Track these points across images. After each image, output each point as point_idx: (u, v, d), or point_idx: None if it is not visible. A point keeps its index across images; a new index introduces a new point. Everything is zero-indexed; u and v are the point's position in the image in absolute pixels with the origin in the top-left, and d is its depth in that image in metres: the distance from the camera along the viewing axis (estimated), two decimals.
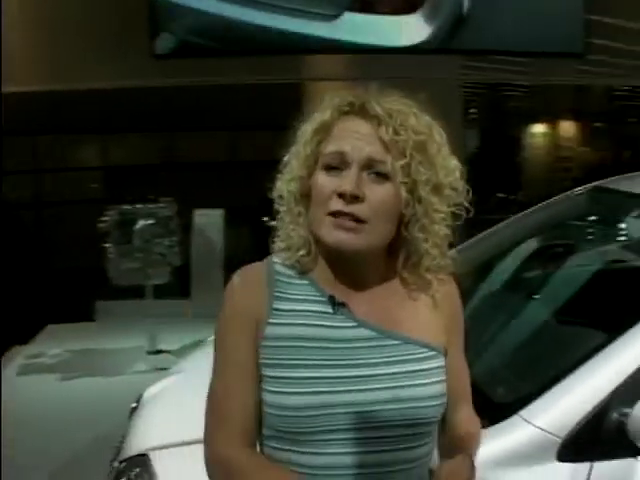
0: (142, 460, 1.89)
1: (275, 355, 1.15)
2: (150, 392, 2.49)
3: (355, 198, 1.10)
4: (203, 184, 8.45)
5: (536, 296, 2.59)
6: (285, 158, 1.23)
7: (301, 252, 1.19)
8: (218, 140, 10.50)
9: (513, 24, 5.51)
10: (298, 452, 1.14)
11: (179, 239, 5.44)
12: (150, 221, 5.21)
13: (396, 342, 1.16)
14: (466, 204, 1.19)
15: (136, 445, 2.03)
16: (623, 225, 2.88)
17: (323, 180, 1.14)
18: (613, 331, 1.76)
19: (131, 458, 1.96)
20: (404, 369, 1.14)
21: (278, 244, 1.23)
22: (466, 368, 1.31)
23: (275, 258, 1.24)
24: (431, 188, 1.14)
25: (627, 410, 1.53)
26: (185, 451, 1.80)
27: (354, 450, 1.12)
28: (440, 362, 1.20)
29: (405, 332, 1.18)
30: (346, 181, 1.11)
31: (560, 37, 5.64)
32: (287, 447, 1.15)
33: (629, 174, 2.87)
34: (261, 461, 1.18)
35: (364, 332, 1.16)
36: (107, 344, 5.55)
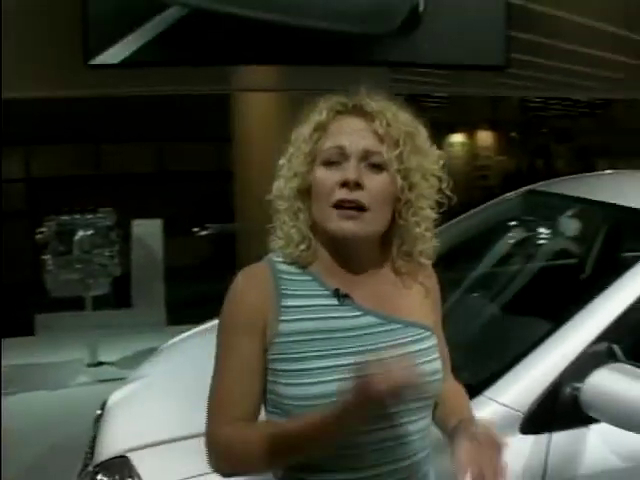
0: (122, 461, 1.91)
1: (289, 350, 1.22)
2: (114, 398, 2.52)
3: (357, 185, 1.21)
4: (134, 194, 8.40)
5: (485, 291, 2.78)
6: (281, 160, 1.33)
7: (301, 247, 1.28)
8: (146, 150, 10.46)
9: (440, 38, 5.76)
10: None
11: (119, 249, 5.40)
12: (90, 232, 5.17)
13: (398, 326, 1.28)
14: (448, 192, 1.32)
15: (111, 448, 2.05)
16: (557, 224, 3.12)
17: (324, 174, 1.24)
18: (556, 319, 1.96)
19: (108, 461, 1.98)
20: (410, 349, 1.26)
21: (277, 241, 1.31)
22: (446, 344, 1.45)
23: (275, 257, 1.32)
24: (421, 175, 1.26)
25: (578, 385, 1.71)
26: (164, 450, 1.90)
27: (372, 428, 1.21)
28: (434, 341, 1.33)
29: (404, 316, 1.30)
30: (348, 171, 1.21)
31: (483, 51, 5.93)
32: None
33: (560, 178, 3.11)
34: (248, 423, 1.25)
35: (369, 319, 1.26)
36: (47, 358, 5.45)
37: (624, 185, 2.80)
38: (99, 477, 1.95)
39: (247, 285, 1.29)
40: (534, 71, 7.85)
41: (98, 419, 2.46)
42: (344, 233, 1.23)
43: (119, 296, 5.96)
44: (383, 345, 1.25)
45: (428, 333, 1.32)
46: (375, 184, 1.22)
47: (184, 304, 6.17)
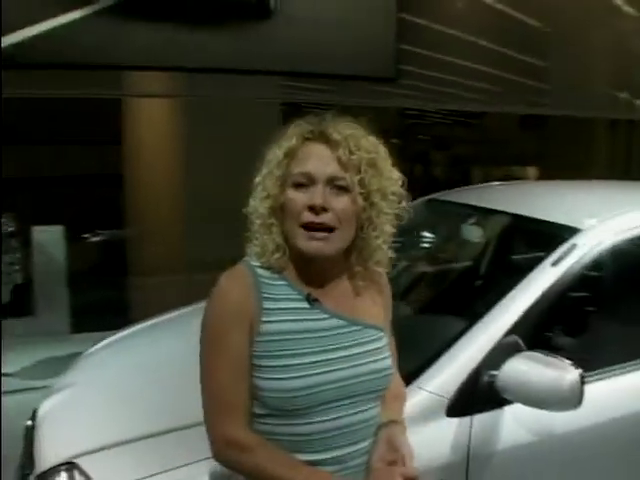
0: (71, 467, 1.95)
1: (270, 348, 1.38)
2: (45, 407, 2.51)
3: (324, 209, 1.37)
4: (29, 199, 8.13)
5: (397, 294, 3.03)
6: (257, 179, 1.48)
7: (276, 255, 1.44)
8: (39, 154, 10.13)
9: (333, 51, 6.06)
10: (295, 424, 1.40)
11: (21, 256, 5.28)
12: None
13: (359, 327, 1.47)
14: (406, 207, 1.51)
15: (55, 456, 2.05)
16: (458, 231, 3.42)
17: (294, 195, 1.40)
18: (467, 317, 2.22)
19: (55, 467, 1.99)
20: (368, 348, 1.46)
21: (254, 249, 1.47)
22: (393, 346, 1.64)
23: (252, 261, 1.47)
24: (381, 195, 1.43)
25: (494, 372, 1.97)
26: (112, 454, 1.96)
27: (338, 415, 1.41)
28: (386, 340, 1.54)
29: (364, 318, 1.49)
30: (315, 196, 1.37)
31: (375, 63, 6.28)
32: (284, 422, 1.40)
33: (459, 188, 3.41)
34: (263, 441, 1.41)
35: (336, 322, 1.44)
36: None
37: (517, 195, 3.13)
38: None
39: (231, 285, 1.43)
40: (420, 82, 8.34)
41: (29, 429, 2.46)
42: (313, 252, 1.40)
43: (21, 304, 5.81)
44: (348, 344, 1.44)
45: (382, 334, 1.52)
46: (340, 205, 1.39)
47: (83, 311, 6.09)
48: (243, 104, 6.48)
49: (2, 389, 4.77)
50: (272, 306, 1.41)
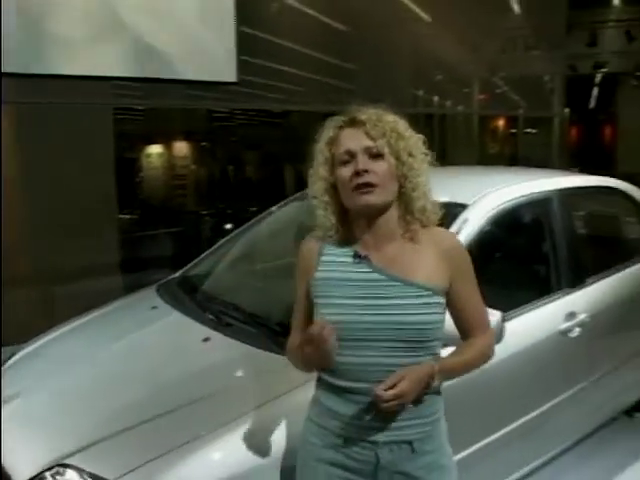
0: (62, 468, 1.98)
1: (319, 290, 1.75)
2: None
3: (365, 172, 1.66)
4: None
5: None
6: (310, 170, 1.80)
7: (330, 233, 1.78)
8: None
9: (175, 57, 6.24)
10: (340, 354, 1.69)
11: None
12: None
13: (398, 284, 1.71)
14: (432, 160, 1.80)
15: (35, 464, 2.06)
16: None
17: (343, 171, 1.71)
18: None
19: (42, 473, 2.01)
20: (400, 302, 1.69)
21: (318, 226, 1.81)
22: (478, 303, 1.84)
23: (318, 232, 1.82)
24: (408, 153, 1.71)
25: None
26: (101, 448, 2.03)
27: (366, 354, 1.69)
28: (433, 300, 1.70)
29: (406, 277, 1.72)
30: (358, 164, 1.68)
31: (219, 69, 6.55)
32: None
33: None
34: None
35: (377, 276, 1.70)
36: None
37: None
38: None
39: (304, 245, 1.86)
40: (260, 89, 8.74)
41: None
42: (364, 203, 1.68)
43: None
44: (382, 295, 1.70)
45: (425, 292, 1.72)
46: (377, 167, 1.69)
47: None
48: (77, 110, 6.39)
49: None
50: (326, 259, 1.77)
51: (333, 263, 1.76)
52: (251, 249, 3.65)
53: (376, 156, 1.70)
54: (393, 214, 1.75)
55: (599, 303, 3.18)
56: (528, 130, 24.53)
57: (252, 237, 3.68)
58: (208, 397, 2.14)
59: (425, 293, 1.70)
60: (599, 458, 3.55)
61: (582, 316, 3.02)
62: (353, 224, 1.77)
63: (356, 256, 1.74)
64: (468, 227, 2.70)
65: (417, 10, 11.98)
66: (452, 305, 1.79)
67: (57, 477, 1.98)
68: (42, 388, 2.55)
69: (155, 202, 18.10)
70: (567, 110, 13.74)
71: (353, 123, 1.74)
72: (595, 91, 22.05)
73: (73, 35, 5.78)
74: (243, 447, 1.96)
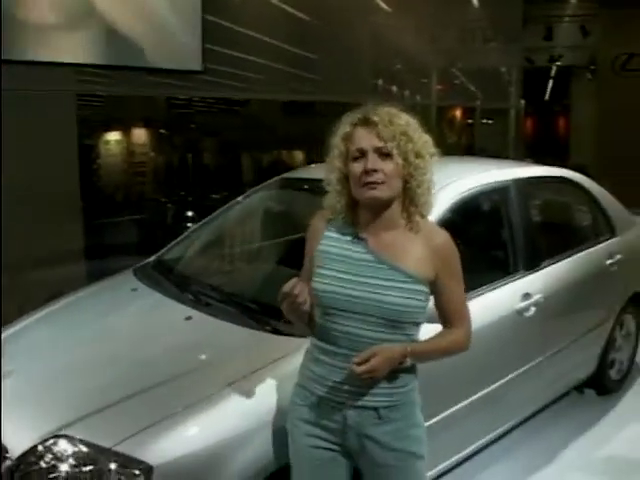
0: (57, 439, 2.07)
1: (318, 260, 1.95)
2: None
3: (375, 171, 1.84)
4: None
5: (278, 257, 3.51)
6: (327, 159, 1.97)
7: (341, 215, 1.97)
8: None
9: (142, 44, 6.30)
10: (323, 319, 1.92)
11: None
12: None
13: (385, 267, 1.90)
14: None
15: (33, 435, 2.13)
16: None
17: (355, 166, 1.88)
18: None
19: (41, 443, 2.08)
20: (383, 283, 1.87)
21: (328, 208, 1.99)
22: (461, 298, 2.01)
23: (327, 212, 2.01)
24: (415, 155, 1.87)
25: None
26: (98, 418, 2.14)
27: (348, 324, 1.88)
28: (416, 287, 1.87)
29: (395, 262, 1.90)
30: (368, 163, 1.85)
31: (184, 57, 6.63)
32: (320, 315, 1.94)
33: (308, 166, 3.94)
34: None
35: (369, 257, 1.90)
36: None
37: None
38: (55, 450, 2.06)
39: (314, 221, 2.06)
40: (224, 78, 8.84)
41: None
42: (371, 196, 1.86)
43: None
44: (369, 274, 1.88)
45: (408, 278, 1.87)
46: (385, 166, 1.85)
47: None
48: (41, 97, 6.40)
49: None
50: (331, 235, 1.98)
51: (334, 239, 1.97)
52: (222, 234, 3.79)
53: (385, 155, 1.86)
54: (396, 207, 1.93)
55: (553, 285, 3.41)
56: (485, 121, 25.00)
57: (223, 223, 3.82)
58: (196, 370, 2.30)
59: (409, 279, 1.88)
60: (552, 430, 3.79)
61: (537, 297, 3.24)
62: (360, 211, 1.96)
63: (355, 237, 1.94)
64: (434, 213, 2.88)
65: (378, 1, 12.15)
66: (436, 296, 1.98)
67: (53, 447, 2.08)
68: (32, 367, 2.61)
69: (112, 189, 18.02)
70: (523, 102, 14.08)
71: (367, 122, 1.89)
72: (550, 84, 22.59)
73: (41, 22, 5.80)
74: (234, 412, 2.13)
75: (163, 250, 3.65)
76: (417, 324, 1.94)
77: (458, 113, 25.61)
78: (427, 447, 2.02)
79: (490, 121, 24.79)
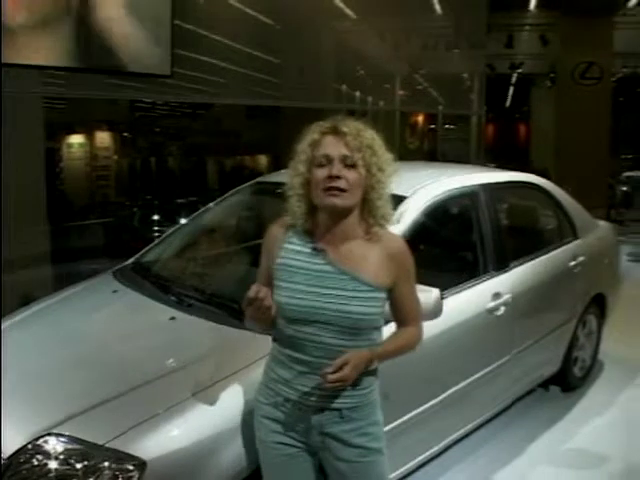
0: (48, 438, 2.11)
1: (278, 274, 1.99)
2: None
3: (338, 177, 1.90)
4: None
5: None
6: (290, 164, 2.02)
7: (300, 221, 2.00)
8: None
9: (112, 48, 6.32)
10: (286, 327, 1.99)
11: None
12: None
13: (346, 277, 1.96)
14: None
15: (24, 434, 2.17)
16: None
17: (318, 172, 1.92)
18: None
19: (31, 443, 2.12)
20: (344, 294, 1.94)
21: (289, 214, 2.02)
22: (414, 301, 2.11)
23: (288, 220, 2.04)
24: (377, 168, 1.95)
25: None
26: (89, 416, 2.19)
27: (310, 332, 1.95)
28: (374, 295, 1.95)
29: (356, 272, 1.97)
30: (333, 169, 1.90)
31: (152, 61, 6.66)
32: (283, 323, 2.00)
33: (279, 171, 4.01)
34: None
35: (329, 268, 1.95)
36: None
37: None
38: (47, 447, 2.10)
39: (271, 230, 2.10)
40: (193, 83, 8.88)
41: None
42: (331, 204, 1.91)
43: None
44: (330, 285, 1.94)
45: (367, 287, 1.94)
46: (349, 176, 1.92)
47: None
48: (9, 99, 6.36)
49: None
50: (289, 247, 2.02)
51: (294, 252, 2.01)
52: (200, 237, 3.85)
53: (350, 165, 1.93)
54: (354, 216, 2.00)
55: (521, 285, 3.55)
56: (447, 126, 25.34)
57: (199, 226, 3.89)
58: (184, 368, 2.36)
59: (369, 288, 1.96)
60: (519, 426, 3.93)
61: (506, 296, 3.38)
62: (318, 219, 2.01)
63: (314, 249, 2.00)
64: (407, 216, 3.00)
65: (342, 7, 12.27)
66: (393, 300, 2.06)
67: (44, 445, 2.11)
68: (19, 366, 2.61)
69: (75, 193, 17.86)
70: (484, 108, 14.35)
71: (336, 132, 1.97)
72: (511, 91, 23.07)
73: (9, 23, 5.78)
74: (222, 407, 2.21)
75: (141, 252, 3.69)
76: (377, 328, 2.04)
77: (421, 119, 25.95)
78: (393, 444, 2.16)
79: (452, 127, 25.22)
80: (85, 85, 7.93)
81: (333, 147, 1.94)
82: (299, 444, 2.04)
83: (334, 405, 1.99)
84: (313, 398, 1.99)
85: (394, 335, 2.11)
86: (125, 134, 22.53)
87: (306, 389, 1.98)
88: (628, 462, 3.58)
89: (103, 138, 20.31)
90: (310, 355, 1.97)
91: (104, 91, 9.32)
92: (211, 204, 4.00)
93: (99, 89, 8.59)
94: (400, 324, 2.11)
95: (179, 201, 11.90)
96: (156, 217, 11.57)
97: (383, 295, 2.00)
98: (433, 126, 25.82)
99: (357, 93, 14.21)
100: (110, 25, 6.37)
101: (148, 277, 3.27)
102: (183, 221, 11.95)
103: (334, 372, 1.85)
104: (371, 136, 2.00)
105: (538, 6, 14.46)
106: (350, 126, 1.97)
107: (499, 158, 18.01)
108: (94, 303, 3.14)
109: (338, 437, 2.01)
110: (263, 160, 26.29)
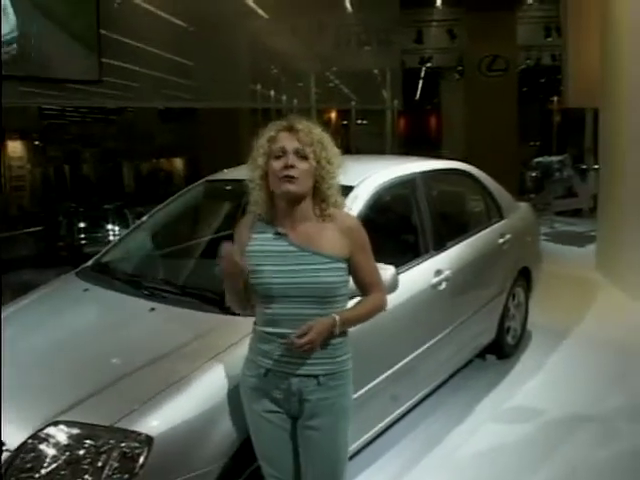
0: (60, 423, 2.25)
1: (250, 259, 2.23)
2: None
3: (292, 167, 2.16)
4: None
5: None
6: (250, 159, 2.26)
7: (264, 207, 2.26)
8: None
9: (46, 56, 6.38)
10: (265, 307, 2.23)
11: None
12: None
13: (308, 253, 2.22)
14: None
15: (30, 425, 2.29)
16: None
17: (275, 163, 2.19)
18: None
19: (36, 434, 2.24)
20: (311, 267, 2.20)
21: (252, 204, 2.28)
22: (373, 268, 2.35)
23: (252, 211, 2.30)
24: (327, 160, 2.24)
25: None
26: (95, 401, 2.34)
27: (287, 306, 2.19)
28: (335, 265, 2.21)
29: (315, 248, 2.22)
30: (288, 160, 2.17)
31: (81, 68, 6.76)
32: (261, 304, 2.24)
33: (232, 168, 4.21)
34: None
35: (293, 248, 2.21)
36: None
37: None
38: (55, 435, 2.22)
39: (239, 224, 2.36)
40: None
41: None
42: (287, 190, 2.18)
43: None
44: (297, 262, 2.20)
45: (328, 259, 2.23)
46: (302, 166, 2.18)
47: None
48: None
49: None
50: (256, 236, 2.28)
51: (260, 239, 2.28)
52: (157, 236, 4.01)
53: (302, 157, 2.20)
54: (308, 202, 2.26)
55: (458, 262, 3.89)
56: (359, 121, 25.83)
57: (154, 225, 4.04)
58: (175, 351, 2.56)
59: (329, 260, 2.22)
60: (463, 392, 4.30)
61: (446, 272, 3.71)
62: (277, 205, 2.27)
63: (277, 233, 2.27)
64: (355, 204, 3.26)
65: (254, 7, 12.43)
66: (353, 270, 2.32)
67: (51, 433, 2.24)
68: (15, 361, 2.70)
69: None
70: (397, 102, 14.81)
71: (290, 129, 2.24)
72: (420, 84, 23.78)
73: None
74: (217, 382, 2.43)
75: (100, 254, 3.83)
76: (343, 297, 2.29)
77: (333, 115, 26.38)
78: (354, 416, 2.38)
79: (364, 122, 25.77)
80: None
81: (288, 141, 2.21)
82: (282, 411, 2.28)
83: (312, 372, 2.23)
84: (290, 365, 2.23)
85: (359, 302, 2.37)
86: (37, 142, 21.98)
87: (285, 359, 2.23)
88: (558, 414, 4.01)
89: (14, 147, 19.78)
90: (287, 328, 2.21)
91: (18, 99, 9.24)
92: (159, 207, 4.16)
93: (13, 97, 8.53)
94: (363, 293, 2.37)
95: (106, 207, 11.82)
96: (82, 225, 11.47)
97: (343, 265, 2.25)
98: (345, 122, 26.37)
99: (272, 92, 14.38)
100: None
101: (115, 275, 3.42)
102: (110, 226, 11.90)
103: (300, 337, 2.11)
104: (321, 133, 2.27)
105: (444, 3, 15.09)
106: (303, 124, 2.25)
107: (412, 150, 18.56)
108: (70, 301, 3.26)
109: (315, 404, 2.25)
110: (179, 163, 26.16)
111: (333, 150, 2.29)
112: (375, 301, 2.38)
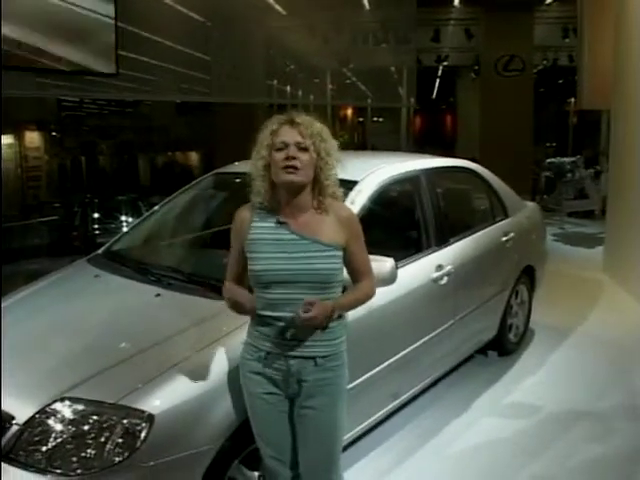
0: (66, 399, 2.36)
1: (250, 247, 2.34)
2: None
3: (294, 158, 2.26)
4: None
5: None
6: (254, 149, 2.35)
7: (266, 198, 2.35)
8: None
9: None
10: (264, 292, 2.31)
11: None
12: None
13: (308, 241, 2.33)
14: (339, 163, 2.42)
15: (37, 401, 2.38)
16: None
17: (278, 154, 2.29)
18: None
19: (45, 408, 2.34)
20: (309, 255, 2.31)
21: (253, 193, 2.37)
22: (366, 258, 2.46)
23: (254, 200, 2.38)
24: (326, 153, 2.34)
25: None
26: (97, 380, 2.44)
27: (286, 292, 2.28)
28: (333, 253, 2.31)
29: (313, 236, 2.33)
30: (289, 152, 2.27)
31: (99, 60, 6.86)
32: (260, 290, 2.32)
33: (237, 162, 4.30)
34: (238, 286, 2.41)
35: (293, 236, 2.31)
36: None
37: None
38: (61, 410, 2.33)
39: (239, 213, 2.43)
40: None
41: None
42: (289, 180, 2.28)
43: None
44: (296, 249, 2.30)
45: (326, 247, 2.33)
46: (302, 157, 2.28)
47: None
48: None
49: None
50: (257, 224, 2.37)
51: (261, 227, 2.37)
52: (167, 226, 4.12)
53: (303, 149, 2.30)
54: (308, 192, 2.36)
55: (460, 258, 3.97)
56: (375, 119, 25.86)
57: (165, 216, 4.15)
58: (181, 332, 2.67)
59: (327, 248, 2.32)
60: (463, 387, 4.37)
61: (448, 267, 3.79)
62: (279, 194, 2.36)
63: (278, 222, 2.36)
64: (359, 198, 3.34)
65: (272, 3, 12.53)
66: (347, 259, 2.42)
67: (58, 408, 2.35)
68: (26, 343, 2.82)
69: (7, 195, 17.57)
70: (412, 100, 14.87)
71: (292, 123, 2.34)
72: (437, 83, 23.81)
73: None
74: (218, 364, 2.54)
75: (111, 242, 3.94)
76: (339, 283, 2.38)
77: (349, 112, 26.45)
78: (352, 404, 2.48)
79: (380, 119, 25.83)
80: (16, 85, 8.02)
81: (289, 135, 2.31)
82: (280, 392, 2.37)
83: (310, 354, 2.33)
84: (291, 348, 2.33)
85: (351, 289, 2.47)
86: (54, 134, 22.19)
87: (282, 339, 2.33)
88: (556, 411, 4.07)
89: (32, 138, 19.96)
90: (286, 312, 2.30)
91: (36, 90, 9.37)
92: (168, 198, 4.26)
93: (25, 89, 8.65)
94: (355, 280, 2.47)
95: (120, 198, 11.98)
96: (96, 215, 11.63)
97: (340, 253, 2.35)
98: (362, 119, 26.45)
99: (288, 88, 14.49)
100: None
101: (125, 262, 3.52)
102: (123, 217, 12.04)
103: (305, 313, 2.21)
104: (320, 127, 2.38)
105: (462, 2, 15.10)
106: (303, 118, 2.36)
107: (427, 148, 18.62)
108: (81, 285, 3.38)
109: (312, 384, 2.35)
110: (194, 156, 26.32)
111: (332, 142, 2.39)
112: (366, 289, 2.48)
